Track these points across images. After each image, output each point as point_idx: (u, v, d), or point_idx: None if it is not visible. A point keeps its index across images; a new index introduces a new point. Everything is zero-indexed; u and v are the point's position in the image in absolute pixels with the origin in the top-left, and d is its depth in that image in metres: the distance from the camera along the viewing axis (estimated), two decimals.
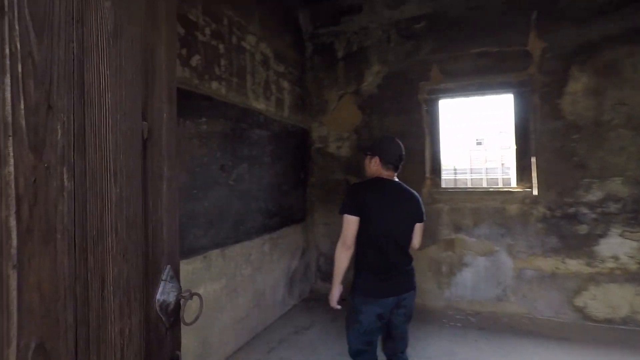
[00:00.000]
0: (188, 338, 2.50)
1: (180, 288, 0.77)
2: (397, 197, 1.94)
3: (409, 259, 1.97)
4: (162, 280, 0.73)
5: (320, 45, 4.48)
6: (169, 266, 0.76)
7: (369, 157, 2.03)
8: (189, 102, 2.56)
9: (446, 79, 3.89)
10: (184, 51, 2.56)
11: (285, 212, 3.93)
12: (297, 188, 4.18)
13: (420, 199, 2.05)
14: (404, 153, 2.02)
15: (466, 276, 3.79)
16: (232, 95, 3.08)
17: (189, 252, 2.54)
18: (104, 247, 0.53)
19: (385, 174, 1.96)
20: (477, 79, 3.80)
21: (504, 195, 3.74)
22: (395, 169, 2.00)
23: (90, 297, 0.49)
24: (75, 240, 0.46)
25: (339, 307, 1.97)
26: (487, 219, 3.74)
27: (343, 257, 1.88)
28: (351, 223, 1.84)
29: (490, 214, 3.73)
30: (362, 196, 1.86)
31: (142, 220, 0.66)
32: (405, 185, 2.03)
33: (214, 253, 2.81)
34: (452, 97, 4.03)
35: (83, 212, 0.48)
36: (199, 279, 2.64)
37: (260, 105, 3.50)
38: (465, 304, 3.77)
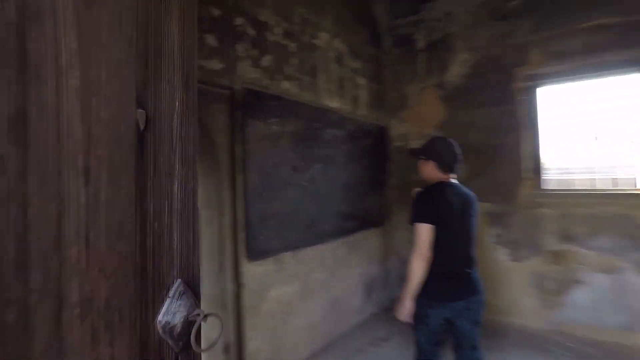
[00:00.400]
0: (259, 339, 2.48)
1: (193, 306, 0.65)
2: (462, 201, 1.90)
3: (475, 261, 1.93)
4: (169, 297, 0.62)
5: (398, 37, 4.19)
6: (179, 280, 0.65)
7: (422, 161, 1.98)
8: (259, 103, 2.55)
9: (549, 61, 3.29)
10: (255, 52, 2.56)
11: (362, 215, 3.74)
12: (375, 189, 3.96)
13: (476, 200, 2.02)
14: (459, 153, 1.96)
15: (580, 296, 3.14)
16: (304, 94, 3.02)
17: (259, 253, 2.52)
18: (63, 260, 0.43)
19: (442, 177, 1.93)
20: (591, 58, 3.13)
21: (633, 198, 3.01)
22: (453, 170, 1.96)
23: (32, 327, 0.39)
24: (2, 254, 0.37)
25: (408, 321, 1.88)
26: (608, 227, 3.05)
27: (420, 267, 1.79)
28: (426, 232, 1.78)
29: (613, 221, 3.04)
30: (431, 203, 1.83)
31: (136, 227, 0.55)
32: (464, 187, 1.99)
33: (286, 255, 2.76)
34: (556, 82, 3.39)
35: (21, 217, 0.38)
36: (270, 281, 2.61)
37: (333, 103, 3.38)
38: (579, 329, 3.13)
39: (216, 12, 2.29)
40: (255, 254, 2.49)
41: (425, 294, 1.82)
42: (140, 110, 0.57)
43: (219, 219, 2.35)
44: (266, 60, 2.65)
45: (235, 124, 2.39)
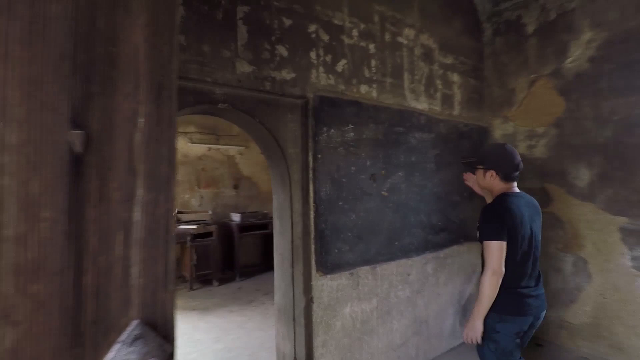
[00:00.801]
0: (331, 357, 2.36)
1: (151, 352, 0.57)
2: (530, 212, 1.82)
3: (541, 275, 1.88)
4: (120, 341, 0.54)
5: (502, 23, 3.65)
6: (136, 322, 0.57)
7: (481, 171, 1.89)
8: (333, 110, 2.45)
9: None
10: (328, 57, 2.47)
11: (456, 227, 3.33)
12: (472, 199, 3.49)
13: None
14: (520, 160, 1.85)
15: None
16: (385, 97, 2.81)
17: (332, 267, 2.41)
18: None
19: (504, 187, 1.84)
20: None
21: None
22: (515, 179, 1.86)
23: None
24: None
25: (479, 342, 1.78)
26: None
27: (494, 286, 1.70)
28: (500, 249, 1.69)
29: None
30: (502, 218, 1.72)
31: (68, 263, 0.49)
32: (528, 196, 1.91)
33: (363, 270, 2.59)
34: None
35: None
36: (344, 297, 2.47)
37: (421, 104, 3.08)
38: None
39: (287, 21, 2.27)
40: (328, 268, 2.38)
41: (493, 308, 1.74)
42: (77, 131, 0.50)
43: (292, 230, 2.31)
44: (341, 65, 2.54)
45: (307, 133, 2.34)
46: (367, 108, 2.67)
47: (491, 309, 1.74)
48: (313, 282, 2.33)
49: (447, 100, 3.34)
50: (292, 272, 2.31)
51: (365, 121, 2.65)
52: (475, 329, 1.75)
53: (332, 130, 2.45)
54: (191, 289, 5.08)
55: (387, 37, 2.86)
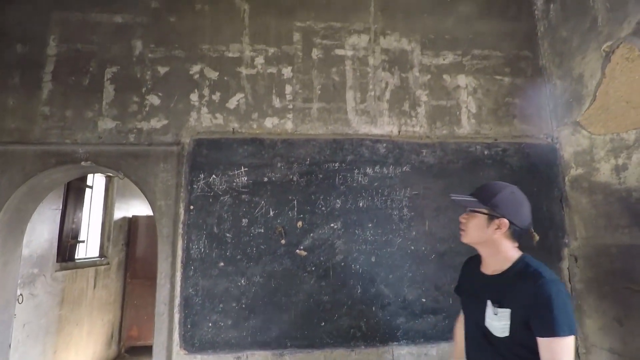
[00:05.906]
0: None
1: None
2: None
3: None
4: None
5: None
6: None
7: (483, 217, 1.17)
8: (216, 153, 2.11)
9: None
10: (216, 95, 2.20)
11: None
12: None
13: None
14: None
15: None
16: (309, 127, 2.21)
17: (203, 345, 1.93)
18: None
19: (513, 247, 1.17)
20: None
21: None
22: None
23: None
24: None
25: None
26: None
27: None
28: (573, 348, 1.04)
29: None
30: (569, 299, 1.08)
31: None
32: None
33: (258, 356, 1.95)
34: None
35: None
36: None
37: (380, 128, 2.24)
38: None
39: (163, 69, 2.19)
40: (195, 345, 1.92)
41: None
42: None
43: (159, 293, 2.02)
44: (235, 100, 2.20)
45: (180, 183, 2.08)
46: (274, 145, 2.15)
47: None
48: None
49: (442, 114, 2.29)
50: (156, 346, 1.97)
51: (270, 161, 2.13)
52: None
53: (214, 176, 2.09)
54: None
55: (316, 54, 2.29)
